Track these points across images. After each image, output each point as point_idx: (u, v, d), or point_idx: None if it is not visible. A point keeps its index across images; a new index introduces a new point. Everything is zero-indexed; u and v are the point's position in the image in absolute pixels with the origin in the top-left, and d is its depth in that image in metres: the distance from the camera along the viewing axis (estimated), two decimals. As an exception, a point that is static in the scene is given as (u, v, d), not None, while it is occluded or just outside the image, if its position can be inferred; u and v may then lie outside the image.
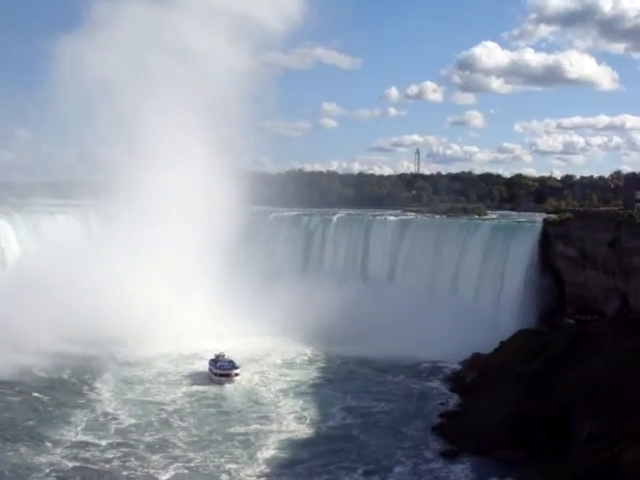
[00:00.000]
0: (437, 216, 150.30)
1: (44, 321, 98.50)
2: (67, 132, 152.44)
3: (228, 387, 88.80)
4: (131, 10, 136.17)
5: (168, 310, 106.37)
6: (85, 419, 76.52)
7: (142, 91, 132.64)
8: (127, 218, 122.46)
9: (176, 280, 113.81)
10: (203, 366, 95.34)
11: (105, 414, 78.43)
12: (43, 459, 65.73)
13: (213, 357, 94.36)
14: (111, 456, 67.04)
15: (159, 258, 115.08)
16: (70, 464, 65.18)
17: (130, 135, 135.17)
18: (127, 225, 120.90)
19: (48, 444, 69.29)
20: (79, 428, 73.87)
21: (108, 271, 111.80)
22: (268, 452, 68.80)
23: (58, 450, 67.98)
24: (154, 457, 66.97)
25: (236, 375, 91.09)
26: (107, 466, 65.00)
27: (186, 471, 64.72)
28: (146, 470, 64.41)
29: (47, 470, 63.61)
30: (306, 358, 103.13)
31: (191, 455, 67.73)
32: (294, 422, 77.10)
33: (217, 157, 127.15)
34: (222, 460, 66.73)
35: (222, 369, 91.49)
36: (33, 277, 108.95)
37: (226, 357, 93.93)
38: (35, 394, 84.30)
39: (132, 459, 66.48)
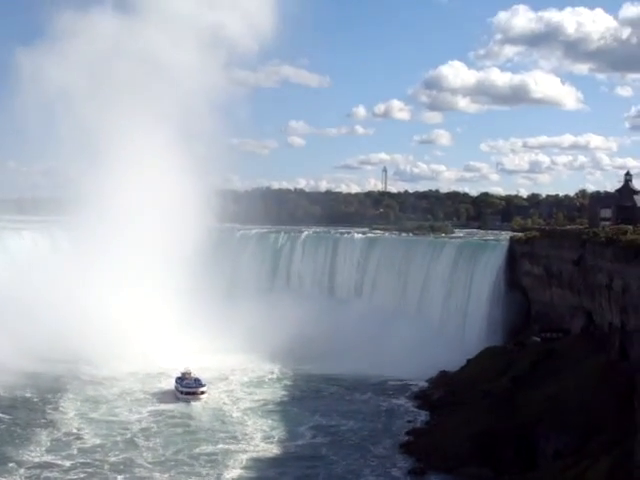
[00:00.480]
0: (404, 234, 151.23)
1: (7, 338, 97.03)
2: (31, 147, 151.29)
3: (195, 405, 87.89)
4: (97, 23, 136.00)
5: (135, 327, 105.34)
6: (49, 439, 75.24)
7: (108, 105, 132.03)
8: (94, 234, 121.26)
9: (144, 297, 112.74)
10: (170, 384, 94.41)
11: (69, 434, 77.24)
12: (5, 480, 64.59)
13: (179, 375, 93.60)
14: (75, 477, 66.06)
15: (126, 275, 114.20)
16: (33, 485, 64.08)
17: (95, 150, 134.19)
18: (94, 241, 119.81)
19: (10, 464, 68.04)
20: (42, 448, 72.67)
21: (74, 288, 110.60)
22: (235, 472, 68.24)
23: (21, 471, 66.82)
24: (119, 477, 66.03)
25: (202, 393, 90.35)
26: (71, 487, 64.05)
27: (152, 492, 64.00)
28: (110, 491, 63.61)
29: (9, 491, 62.57)
30: (274, 376, 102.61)
31: (157, 475, 66.86)
32: (262, 441, 76.52)
33: (185, 173, 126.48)
34: (188, 480, 66.00)
35: (188, 387, 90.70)
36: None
37: (192, 375, 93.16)
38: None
39: (96, 480, 65.53)
